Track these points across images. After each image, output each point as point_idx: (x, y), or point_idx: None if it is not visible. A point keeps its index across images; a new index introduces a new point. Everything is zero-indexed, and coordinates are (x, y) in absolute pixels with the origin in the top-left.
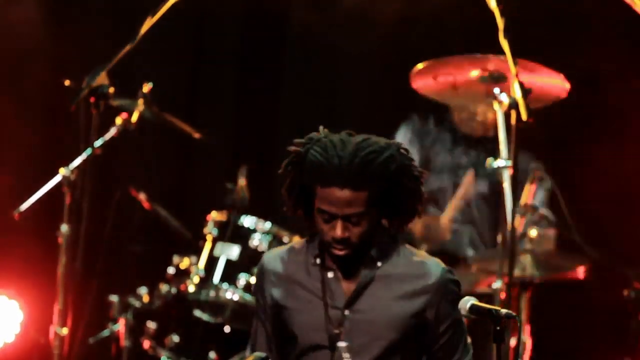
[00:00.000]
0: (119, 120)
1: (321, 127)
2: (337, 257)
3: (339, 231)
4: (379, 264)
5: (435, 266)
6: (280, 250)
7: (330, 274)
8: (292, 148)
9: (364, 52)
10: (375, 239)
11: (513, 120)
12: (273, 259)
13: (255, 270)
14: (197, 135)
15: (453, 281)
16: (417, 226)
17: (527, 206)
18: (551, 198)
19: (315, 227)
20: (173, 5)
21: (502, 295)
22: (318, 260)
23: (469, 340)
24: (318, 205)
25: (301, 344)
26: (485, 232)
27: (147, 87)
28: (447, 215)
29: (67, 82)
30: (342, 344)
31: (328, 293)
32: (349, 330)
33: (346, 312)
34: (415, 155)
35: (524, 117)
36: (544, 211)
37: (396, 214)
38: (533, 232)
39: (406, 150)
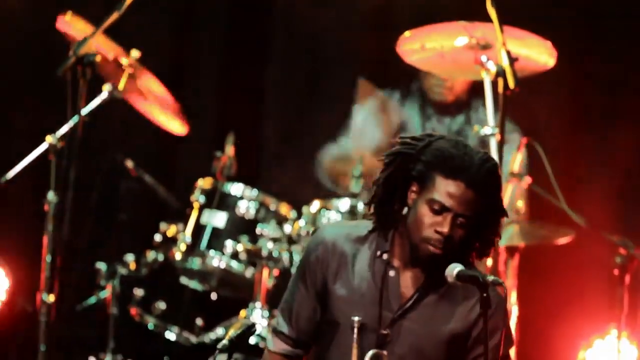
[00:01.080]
0: (106, 88)
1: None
2: (423, 256)
3: (447, 227)
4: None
5: (492, 290)
6: (342, 228)
7: (392, 273)
8: (400, 140)
9: (350, 20)
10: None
11: (500, 89)
12: (338, 236)
13: (242, 238)
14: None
15: (504, 310)
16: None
17: (514, 174)
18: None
19: (389, 221)
20: None
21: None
22: (385, 256)
23: None
24: (431, 195)
25: (341, 334)
26: None
27: (134, 54)
28: None
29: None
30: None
31: (385, 292)
32: (394, 336)
33: (396, 317)
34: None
35: (511, 85)
36: (529, 180)
37: (480, 242)
38: (520, 204)
39: None
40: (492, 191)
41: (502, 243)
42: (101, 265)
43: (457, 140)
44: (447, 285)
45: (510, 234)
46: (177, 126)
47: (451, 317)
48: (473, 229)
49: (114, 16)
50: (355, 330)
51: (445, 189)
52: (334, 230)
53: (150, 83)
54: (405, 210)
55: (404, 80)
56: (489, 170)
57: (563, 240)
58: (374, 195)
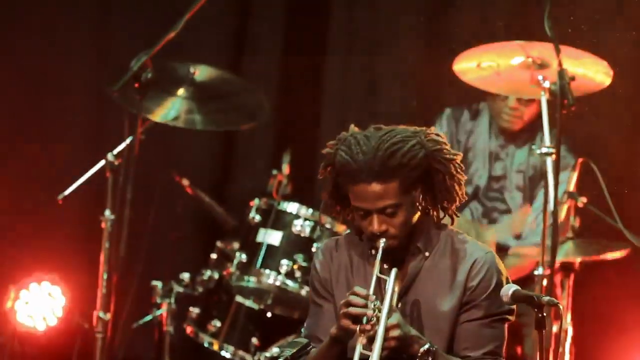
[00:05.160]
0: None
1: (352, 126)
2: (383, 250)
3: (375, 226)
4: (427, 254)
5: (478, 250)
6: (336, 239)
7: (386, 266)
8: (326, 151)
9: (406, 36)
10: (421, 229)
11: (557, 108)
12: (332, 246)
13: (298, 257)
14: (241, 127)
15: (494, 267)
16: None
17: (571, 194)
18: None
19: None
20: None
21: (544, 282)
22: (374, 252)
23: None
24: (353, 203)
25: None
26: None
27: (193, 72)
28: (492, 239)
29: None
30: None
31: (382, 285)
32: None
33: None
34: (454, 143)
35: (567, 104)
36: (584, 200)
37: (437, 199)
38: (574, 222)
39: (437, 134)
40: (399, 168)
41: (559, 258)
42: (157, 283)
43: (351, 141)
44: (430, 260)
45: (565, 251)
46: None
47: (446, 288)
48: (418, 200)
49: (171, 35)
50: (393, 273)
51: (357, 194)
52: (328, 243)
53: None
54: None
55: (473, 99)
56: (385, 155)
57: (618, 255)
58: (325, 204)
